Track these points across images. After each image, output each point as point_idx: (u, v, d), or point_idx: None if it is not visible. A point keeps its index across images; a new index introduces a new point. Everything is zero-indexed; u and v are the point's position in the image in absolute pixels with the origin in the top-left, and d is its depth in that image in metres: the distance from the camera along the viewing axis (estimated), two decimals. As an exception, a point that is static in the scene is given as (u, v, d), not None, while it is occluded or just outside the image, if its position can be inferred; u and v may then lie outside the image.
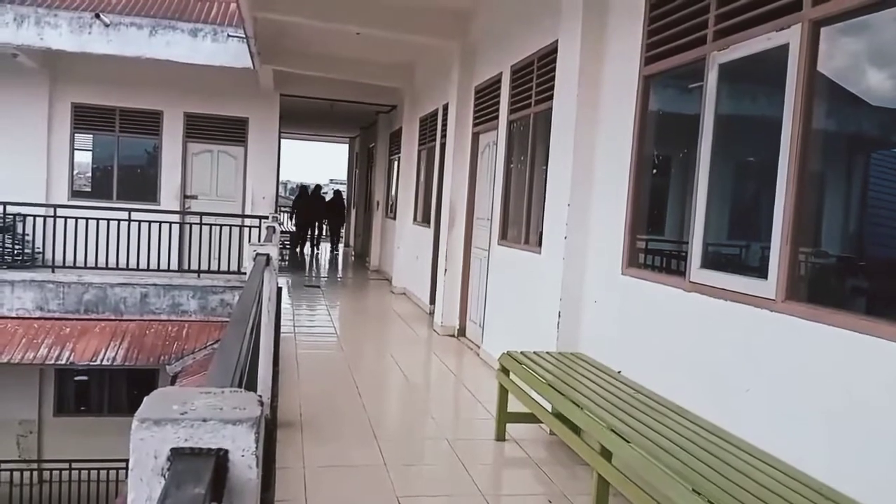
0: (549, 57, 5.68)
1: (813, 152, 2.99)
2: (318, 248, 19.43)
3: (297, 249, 18.14)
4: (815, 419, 2.79)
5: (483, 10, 7.88)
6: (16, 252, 10.60)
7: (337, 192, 20.93)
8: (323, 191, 20.96)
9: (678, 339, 3.79)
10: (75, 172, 12.57)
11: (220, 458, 0.84)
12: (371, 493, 3.78)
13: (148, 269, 10.13)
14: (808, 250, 3.08)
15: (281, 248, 13.72)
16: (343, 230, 20.89)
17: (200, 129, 12.85)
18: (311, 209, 18.51)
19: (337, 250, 19.73)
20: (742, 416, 3.19)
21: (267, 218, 9.77)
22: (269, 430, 4.15)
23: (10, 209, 10.29)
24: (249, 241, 9.47)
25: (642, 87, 4.29)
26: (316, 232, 19.38)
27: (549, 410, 4.07)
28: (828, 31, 2.94)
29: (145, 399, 0.90)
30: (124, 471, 9.13)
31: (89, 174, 12.94)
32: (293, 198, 20.16)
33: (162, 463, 0.83)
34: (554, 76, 5.28)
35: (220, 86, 12.35)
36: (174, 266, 10.57)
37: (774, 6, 3.16)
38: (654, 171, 4.47)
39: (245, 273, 3.90)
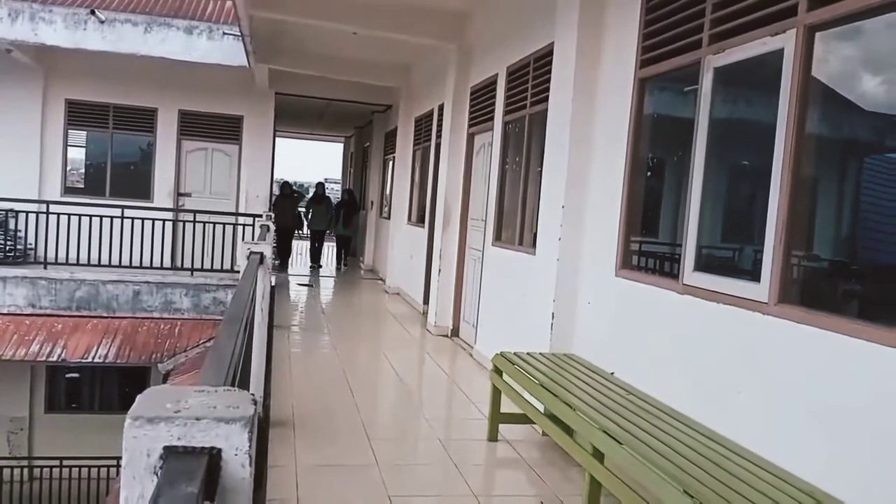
0: (544, 59, 5.69)
1: (806, 156, 3.01)
2: (320, 263, 15.09)
3: (279, 262, 13.70)
4: (806, 422, 2.80)
5: (479, 12, 7.89)
6: (8, 248, 10.56)
7: (349, 192, 16.27)
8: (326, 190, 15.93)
9: (671, 342, 3.80)
10: (68, 169, 12.51)
11: (213, 457, 0.84)
12: (363, 493, 3.78)
13: (141, 267, 10.11)
14: (800, 254, 3.10)
15: (275, 247, 13.04)
16: (354, 240, 16.09)
17: (195, 126, 12.81)
18: (309, 211, 14.92)
19: (345, 265, 15.30)
20: (734, 419, 3.20)
21: (261, 216, 9.75)
22: (262, 429, 4.14)
23: (2, 205, 10.25)
24: (243, 239, 9.46)
25: (637, 89, 4.31)
26: (318, 244, 15.14)
27: (542, 411, 4.08)
28: (822, 37, 2.96)
29: (138, 397, 0.90)
30: (115, 468, 9.10)
31: (82, 171, 12.89)
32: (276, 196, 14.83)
33: (155, 461, 0.83)
34: (549, 78, 5.29)
35: (215, 84, 12.33)
36: (167, 263, 10.54)
37: (770, 11, 3.17)
38: (649, 173, 4.48)
39: (238, 271, 3.89)
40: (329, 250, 16.28)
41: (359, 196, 16.66)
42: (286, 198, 14.50)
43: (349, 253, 15.60)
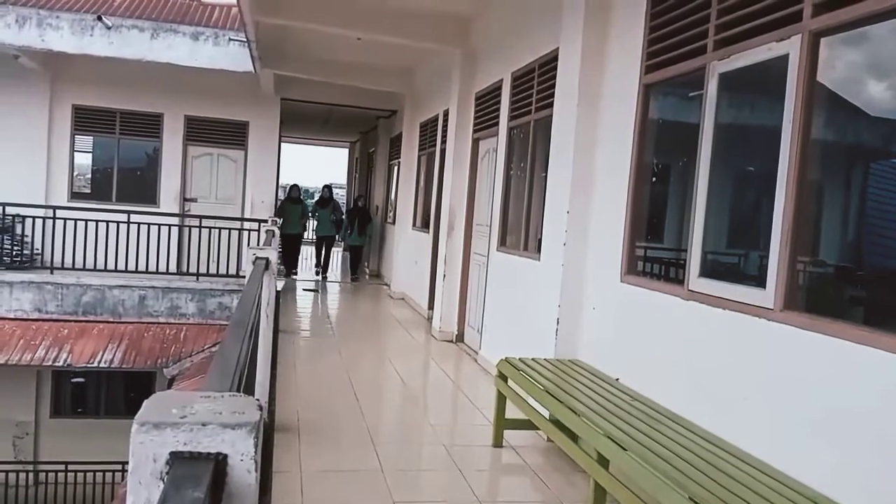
0: (549, 64, 5.69)
1: (812, 162, 3.00)
2: (326, 273, 14.14)
3: (287, 272, 13.44)
4: (812, 428, 2.79)
5: (484, 17, 7.90)
6: (14, 253, 10.60)
7: (362, 198, 15.56)
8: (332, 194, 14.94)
9: (676, 348, 3.79)
10: (75, 174, 12.56)
11: (219, 463, 0.85)
12: (368, 499, 3.77)
13: (147, 272, 10.15)
14: (806, 260, 3.09)
15: (280, 252, 12.52)
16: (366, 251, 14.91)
17: (201, 132, 12.85)
18: (317, 219, 14.13)
19: (355, 278, 14.34)
20: (739, 425, 3.19)
21: (266, 221, 9.77)
22: (267, 435, 4.14)
23: (9, 210, 10.29)
24: (249, 244, 9.48)
25: (642, 95, 4.31)
26: (325, 251, 14.15)
27: (547, 417, 4.07)
28: (828, 42, 2.96)
29: (145, 402, 0.90)
30: (120, 473, 9.12)
31: (89, 176, 12.93)
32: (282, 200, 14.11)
33: (161, 467, 0.83)
34: (554, 83, 5.30)
35: (221, 89, 12.36)
36: (173, 269, 10.57)
37: (775, 17, 3.17)
38: (654, 178, 4.48)
39: (244, 276, 3.90)
40: (336, 256, 15.84)
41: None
42: (294, 202, 13.73)
43: (360, 263, 14.75)
